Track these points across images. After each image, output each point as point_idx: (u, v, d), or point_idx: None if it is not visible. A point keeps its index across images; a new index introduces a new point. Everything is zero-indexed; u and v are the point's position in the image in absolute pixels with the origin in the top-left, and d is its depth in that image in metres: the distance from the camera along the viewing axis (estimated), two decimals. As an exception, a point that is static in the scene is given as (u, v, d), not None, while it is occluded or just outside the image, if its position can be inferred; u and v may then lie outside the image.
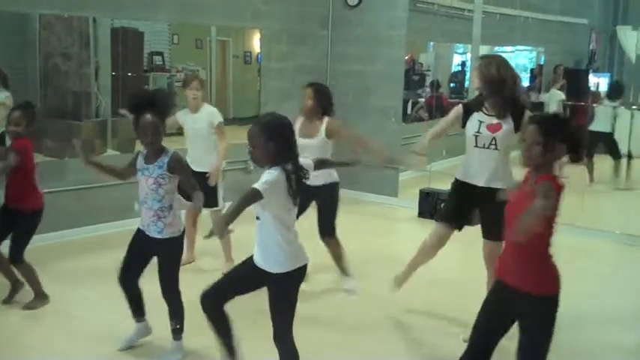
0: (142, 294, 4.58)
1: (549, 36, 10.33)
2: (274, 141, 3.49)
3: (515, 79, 4.73)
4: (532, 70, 10.72)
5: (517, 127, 4.64)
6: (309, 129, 5.64)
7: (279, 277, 3.58)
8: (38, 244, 6.41)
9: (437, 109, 10.34)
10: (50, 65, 7.47)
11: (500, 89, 4.64)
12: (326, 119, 5.69)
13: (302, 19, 9.32)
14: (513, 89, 4.69)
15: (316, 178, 5.60)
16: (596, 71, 10.25)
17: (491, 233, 4.75)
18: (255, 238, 3.68)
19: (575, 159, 3.25)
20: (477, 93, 5.00)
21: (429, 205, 8.32)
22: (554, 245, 3.27)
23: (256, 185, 3.39)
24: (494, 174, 4.73)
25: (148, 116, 4.16)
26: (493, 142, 4.72)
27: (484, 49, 9.72)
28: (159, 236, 4.33)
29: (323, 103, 5.71)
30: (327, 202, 5.75)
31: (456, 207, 5.06)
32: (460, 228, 5.08)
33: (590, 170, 9.53)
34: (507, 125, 4.70)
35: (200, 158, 6.11)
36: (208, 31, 8.67)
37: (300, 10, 9.29)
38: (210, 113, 6.17)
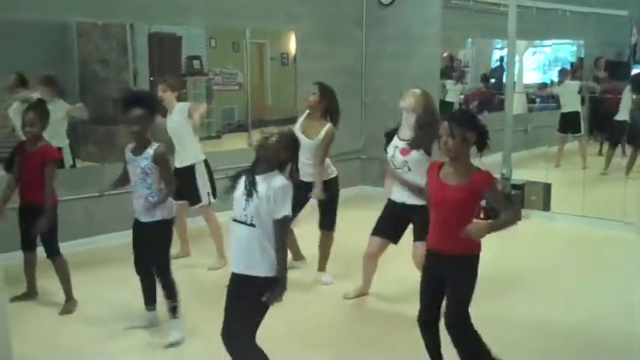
0: (155, 285, 4.91)
1: (589, 28, 10.15)
2: (289, 152, 3.64)
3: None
4: (572, 64, 10.55)
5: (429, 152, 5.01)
6: (310, 129, 5.88)
7: (263, 281, 3.55)
8: (77, 249, 6.60)
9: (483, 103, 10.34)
10: (89, 72, 7.60)
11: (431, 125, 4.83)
12: (328, 125, 5.92)
13: (336, 19, 9.34)
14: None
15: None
16: (638, 63, 10.06)
17: (422, 235, 4.75)
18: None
19: (482, 147, 3.74)
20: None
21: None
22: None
23: (289, 214, 3.52)
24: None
25: (136, 109, 4.58)
26: (406, 165, 5.07)
27: (521, 44, 9.64)
28: (149, 219, 4.67)
29: (326, 100, 5.96)
30: (326, 197, 5.93)
31: (386, 222, 5.37)
32: (395, 241, 5.43)
33: (609, 159, 9.53)
34: (417, 151, 5.04)
35: (181, 153, 6.42)
36: (244, 34, 8.72)
37: (334, 10, 9.30)
38: (180, 109, 6.40)
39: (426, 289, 3.93)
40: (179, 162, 6.41)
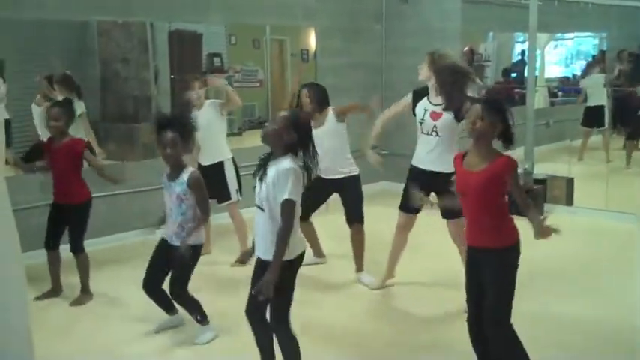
0: (167, 295, 4.83)
1: (611, 21, 10.06)
2: (298, 133, 3.66)
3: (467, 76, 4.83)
4: (594, 57, 10.46)
5: (459, 117, 4.84)
6: (318, 121, 5.81)
7: (284, 264, 3.64)
8: (98, 247, 6.65)
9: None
10: (110, 71, 7.65)
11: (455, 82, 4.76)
12: (330, 108, 5.94)
13: (355, 14, 9.32)
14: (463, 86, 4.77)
15: (339, 172, 5.91)
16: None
17: (450, 213, 4.95)
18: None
19: (507, 142, 3.72)
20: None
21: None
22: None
23: (290, 197, 3.55)
24: (439, 159, 5.06)
25: (169, 132, 4.50)
26: (435, 130, 5.06)
27: (543, 38, 9.57)
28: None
29: (319, 97, 5.93)
30: (351, 192, 5.99)
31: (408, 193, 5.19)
32: (417, 212, 5.36)
33: (629, 153, 9.53)
34: (448, 114, 4.97)
35: (210, 151, 6.40)
36: (264, 31, 8.74)
37: (354, 5, 9.29)
38: (211, 104, 6.46)
39: (470, 290, 3.91)
40: (207, 160, 6.42)
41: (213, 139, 6.40)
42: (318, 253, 6.52)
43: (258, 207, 3.71)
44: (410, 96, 5.41)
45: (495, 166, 3.62)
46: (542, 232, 3.62)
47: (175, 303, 4.84)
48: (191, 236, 4.62)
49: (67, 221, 5.46)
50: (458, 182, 3.82)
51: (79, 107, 6.92)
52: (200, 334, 4.83)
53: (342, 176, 5.95)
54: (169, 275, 4.74)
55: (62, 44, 7.23)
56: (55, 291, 5.68)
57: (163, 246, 4.77)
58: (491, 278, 3.75)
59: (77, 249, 5.50)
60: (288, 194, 3.55)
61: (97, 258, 6.06)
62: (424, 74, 5.23)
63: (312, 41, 9.21)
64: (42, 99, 6.78)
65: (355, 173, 6.03)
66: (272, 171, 3.62)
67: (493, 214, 3.70)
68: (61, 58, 7.21)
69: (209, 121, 6.31)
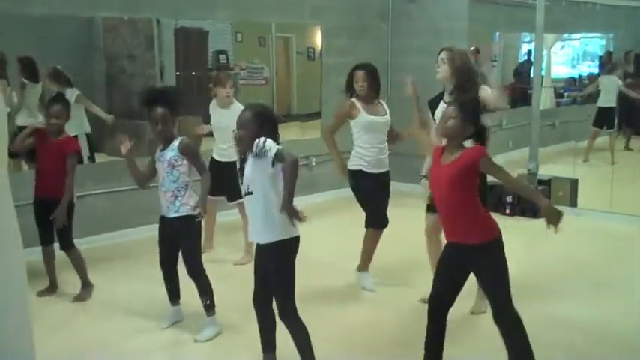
0: (178, 281, 4.91)
1: (619, 22, 10.04)
2: (267, 129, 3.73)
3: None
4: (600, 58, 10.43)
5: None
6: (374, 109, 5.73)
7: (278, 245, 3.78)
8: (102, 243, 6.65)
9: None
10: (115, 67, 7.67)
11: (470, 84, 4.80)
12: (384, 102, 5.86)
13: (361, 13, 9.31)
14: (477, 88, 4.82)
15: (385, 165, 5.76)
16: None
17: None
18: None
19: (480, 142, 3.76)
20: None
21: (494, 198, 8.18)
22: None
23: (276, 148, 3.63)
24: None
25: (159, 108, 4.50)
26: None
27: (549, 38, 9.55)
28: (176, 215, 4.63)
29: (376, 84, 5.84)
30: (387, 190, 5.83)
31: None
32: None
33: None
34: None
35: (226, 150, 6.29)
36: (270, 29, 8.73)
37: (360, 4, 9.28)
38: (239, 109, 6.24)
39: (440, 273, 3.91)
40: (222, 156, 6.37)
41: (230, 138, 6.28)
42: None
43: (247, 194, 3.81)
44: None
45: (463, 156, 3.67)
46: (553, 214, 3.53)
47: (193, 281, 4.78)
48: (184, 206, 4.62)
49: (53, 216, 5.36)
50: (432, 175, 3.92)
51: (73, 94, 6.90)
52: (203, 328, 4.79)
53: (385, 170, 5.76)
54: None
55: (68, 40, 7.24)
56: (52, 288, 5.65)
57: (162, 224, 4.77)
58: (486, 274, 3.78)
59: (67, 245, 5.46)
60: (273, 148, 3.63)
61: (98, 254, 6.08)
62: (444, 73, 5.11)
63: (318, 39, 9.21)
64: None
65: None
66: (252, 158, 3.74)
67: (466, 208, 3.72)
68: (67, 53, 7.22)
69: (230, 123, 6.20)
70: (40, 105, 6.69)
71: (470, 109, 3.75)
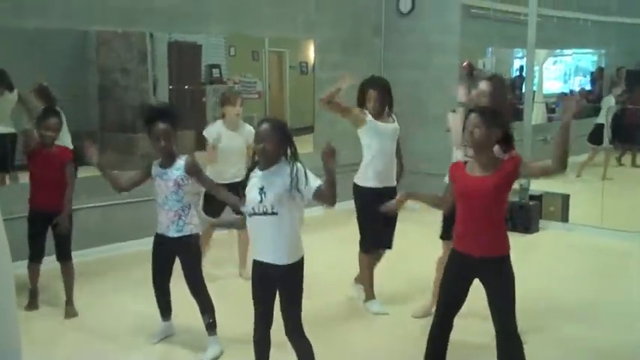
0: (170, 297, 4.90)
1: (610, 38, 10.10)
2: (287, 141, 3.72)
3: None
4: (592, 74, 10.50)
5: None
6: (384, 119, 5.60)
7: (291, 267, 3.75)
8: (94, 256, 6.64)
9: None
10: (109, 80, 7.68)
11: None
12: (394, 116, 5.70)
13: (354, 27, 9.36)
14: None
15: (393, 180, 5.64)
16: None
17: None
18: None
19: (506, 148, 3.79)
20: None
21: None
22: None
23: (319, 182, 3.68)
24: None
25: (160, 124, 4.49)
26: None
27: (542, 54, 9.60)
28: (178, 234, 4.62)
29: (387, 101, 5.64)
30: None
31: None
32: None
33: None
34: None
35: (233, 171, 6.13)
36: (264, 43, 8.76)
37: (353, 19, 9.33)
38: (249, 132, 6.03)
39: (451, 287, 3.90)
40: (225, 178, 6.01)
41: (238, 161, 6.21)
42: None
43: (270, 214, 3.68)
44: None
45: (505, 167, 3.67)
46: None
47: (194, 298, 4.75)
48: (189, 224, 4.63)
49: (52, 229, 5.38)
50: (463, 187, 3.79)
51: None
52: (208, 346, 4.72)
53: (391, 185, 5.57)
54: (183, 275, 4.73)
55: (62, 53, 7.26)
56: (34, 304, 5.59)
57: (159, 242, 4.73)
58: (500, 287, 3.79)
59: (66, 256, 5.45)
60: (315, 181, 3.67)
61: (89, 269, 6.06)
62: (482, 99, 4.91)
63: (311, 54, 9.25)
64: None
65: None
66: (277, 178, 3.67)
67: (497, 220, 3.75)
68: (61, 66, 7.24)
69: (241, 146, 6.20)
70: (28, 117, 6.67)
71: (491, 113, 3.76)
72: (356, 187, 5.59)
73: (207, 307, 4.72)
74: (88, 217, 6.81)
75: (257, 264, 3.82)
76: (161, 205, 4.63)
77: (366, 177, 5.52)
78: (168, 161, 4.60)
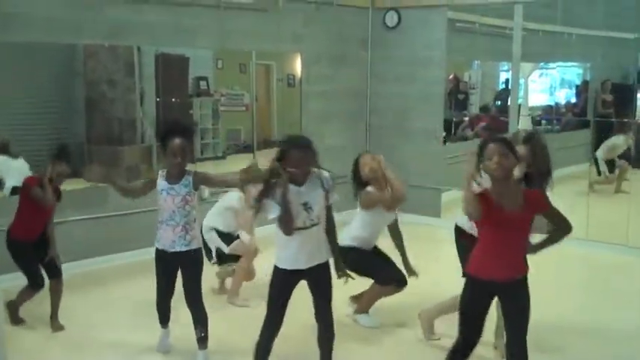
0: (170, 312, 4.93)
1: (595, 51, 10.18)
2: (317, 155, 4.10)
3: None
4: (577, 87, 10.57)
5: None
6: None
7: (327, 263, 4.26)
8: (79, 269, 6.62)
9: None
10: (96, 93, 7.67)
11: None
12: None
13: (341, 41, 9.39)
14: None
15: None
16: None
17: None
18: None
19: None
20: None
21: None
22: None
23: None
24: None
25: (177, 139, 4.49)
26: None
27: (527, 67, 9.66)
28: (186, 248, 4.64)
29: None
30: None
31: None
32: None
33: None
34: None
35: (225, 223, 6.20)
36: (251, 56, 8.78)
37: (339, 32, 9.36)
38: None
39: (474, 316, 3.90)
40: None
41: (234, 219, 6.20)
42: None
43: (313, 225, 4.07)
44: None
45: (535, 202, 3.76)
46: None
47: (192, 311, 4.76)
48: (195, 239, 4.69)
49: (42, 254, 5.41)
50: (497, 221, 3.70)
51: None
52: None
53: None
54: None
55: (49, 66, 7.26)
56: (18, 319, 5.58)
57: (163, 257, 4.71)
58: (521, 306, 3.84)
59: (58, 274, 5.46)
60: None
61: (75, 282, 6.04)
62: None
63: (298, 66, 9.27)
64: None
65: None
66: (315, 190, 4.08)
67: (525, 246, 3.85)
68: (48, 80, 7.24)
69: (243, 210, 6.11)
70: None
71: (507, 141, 3.80)
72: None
73: (202, 320, 4.73)
74: (73, 230, 6.79)
75: (295, 272, 4.15)
76: (166, 221, 4.61)
77: (349, 240, 5.55)
78: (177, 177, 4.58)
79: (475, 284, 3.86)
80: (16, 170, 6.63)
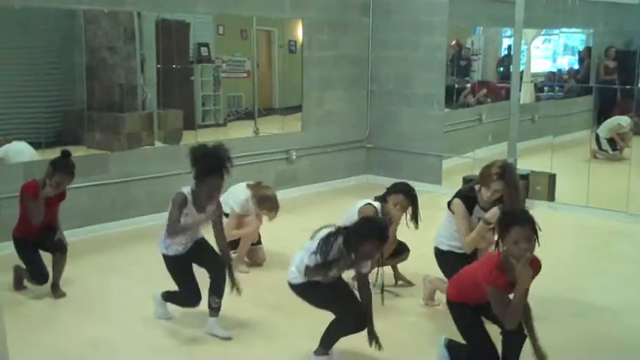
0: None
1: (598, 17, 10.11)
2: None
3: None
4: (580, 52, 10.51)
5: None
6: None
7: None
8: (81, 237, 6.65)
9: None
10: (96, 59, 7.64)
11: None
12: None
13: (342, 7, 9.33)
14: None
15: None
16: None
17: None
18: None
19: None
20: None
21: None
22: None
23: None
24: None
25: (219, 178, 4.47)
26: None
27: (530, 33, 9.61)
28: (197, 239, 4.76)
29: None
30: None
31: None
32: None
33: None
34: None
35: None
36: (252, 22, 8.73)
37: (341, -2, 9.31)
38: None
39: (483, 328, 4.01)
40: None
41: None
42: None
43: None
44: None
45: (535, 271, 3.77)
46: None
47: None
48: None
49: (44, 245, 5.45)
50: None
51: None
52: (216, 327, 4.73)
53: None
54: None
55: (49, 32, 7.23)
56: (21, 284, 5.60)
57: (180, 258, 4.71)
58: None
59: (65, 248, 5.46)
60: None
61: (78, 248, 6.06)
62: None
63: (299, 32, 9.22)
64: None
65: None
66: None
67: None
68: (49, 45, 7.22)
69: None
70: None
71: (533, 221, 3.80)
72: None
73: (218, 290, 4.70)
74: (74, 198, 6.79)
75: None
76: (179, 234, 4.62)
77: None
78: (204, 206, 4.59)
79: (465, 306, 4.00)
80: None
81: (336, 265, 4.03)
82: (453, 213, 5.03)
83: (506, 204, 4.71)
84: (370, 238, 3.99)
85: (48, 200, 5.26)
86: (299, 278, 4.18)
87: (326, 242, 4.01)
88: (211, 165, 4.44)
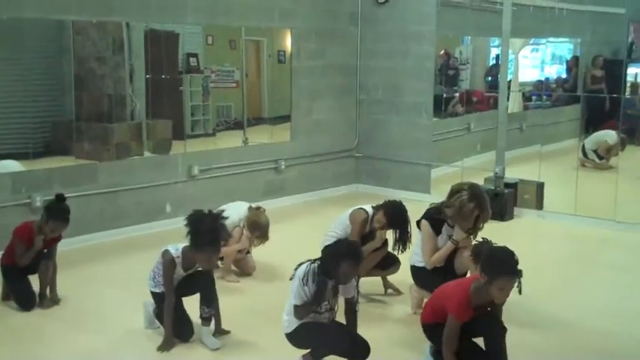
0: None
1: (585, 27, 10.18)
2: None
3: None
4: (567, 62, 10.58)
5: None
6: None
7: None
8: (69, 247, 6.62)
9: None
10: (85, 70, 7.61)
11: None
12: None
13: (331, 17, 9.37)
14: None
15: None
16: (635, 62, 10.07)
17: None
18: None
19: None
20: None
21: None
22: None
23: None
24: None
25: (215, 250, 4.62)
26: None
27: (517, 42, 9.67)
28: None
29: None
30: None
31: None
32: None
33: None
34: None
35: None
36: (241, 32, 8.75)
37: (329, 8, 9.33)
38: None
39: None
40: None
41: None
42: None
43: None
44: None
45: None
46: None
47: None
48: None
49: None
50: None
51: None
52: (208, 337, 4.75)
53: None
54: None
55: (38, 42, 7.21)
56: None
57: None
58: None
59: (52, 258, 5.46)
60: None
61: (67, 258, 6.03)
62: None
63: (288, 42, 9.24)
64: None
65: None
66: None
67: None
68: (37, 56, 7.20)
69: None
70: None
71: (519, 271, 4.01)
72: None
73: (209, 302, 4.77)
74: (91, 203, 6.80)
75: None
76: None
77: None
78: (192, 267, 4.70)
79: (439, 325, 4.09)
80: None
81: (322, 295, 4.03)
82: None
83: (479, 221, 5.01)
84: (344, 258, 4.01)
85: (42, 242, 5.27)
86: (292, 324, 4.18)
87: (306, 277, 4.04)
88: (211, 238, 4.53)
